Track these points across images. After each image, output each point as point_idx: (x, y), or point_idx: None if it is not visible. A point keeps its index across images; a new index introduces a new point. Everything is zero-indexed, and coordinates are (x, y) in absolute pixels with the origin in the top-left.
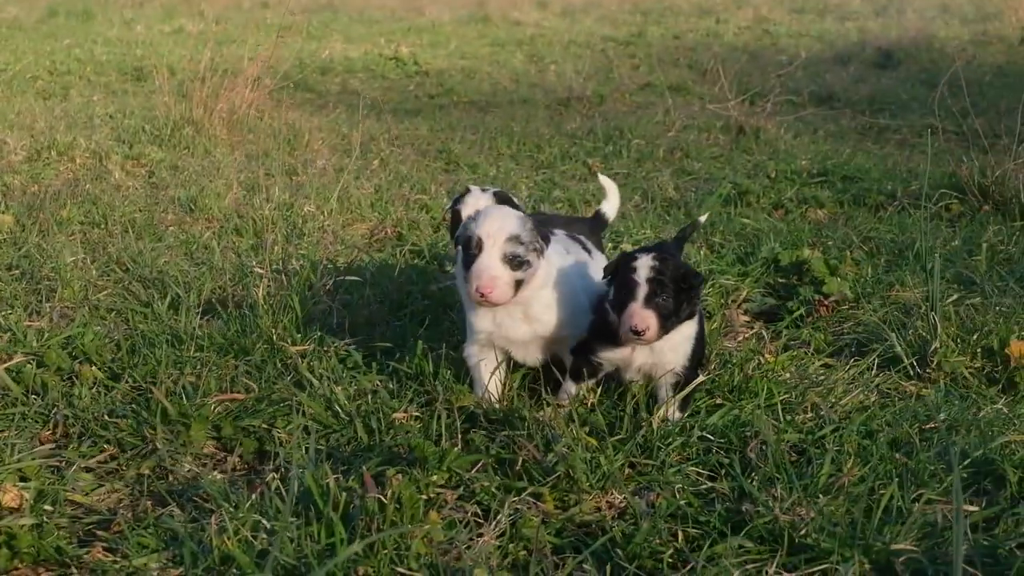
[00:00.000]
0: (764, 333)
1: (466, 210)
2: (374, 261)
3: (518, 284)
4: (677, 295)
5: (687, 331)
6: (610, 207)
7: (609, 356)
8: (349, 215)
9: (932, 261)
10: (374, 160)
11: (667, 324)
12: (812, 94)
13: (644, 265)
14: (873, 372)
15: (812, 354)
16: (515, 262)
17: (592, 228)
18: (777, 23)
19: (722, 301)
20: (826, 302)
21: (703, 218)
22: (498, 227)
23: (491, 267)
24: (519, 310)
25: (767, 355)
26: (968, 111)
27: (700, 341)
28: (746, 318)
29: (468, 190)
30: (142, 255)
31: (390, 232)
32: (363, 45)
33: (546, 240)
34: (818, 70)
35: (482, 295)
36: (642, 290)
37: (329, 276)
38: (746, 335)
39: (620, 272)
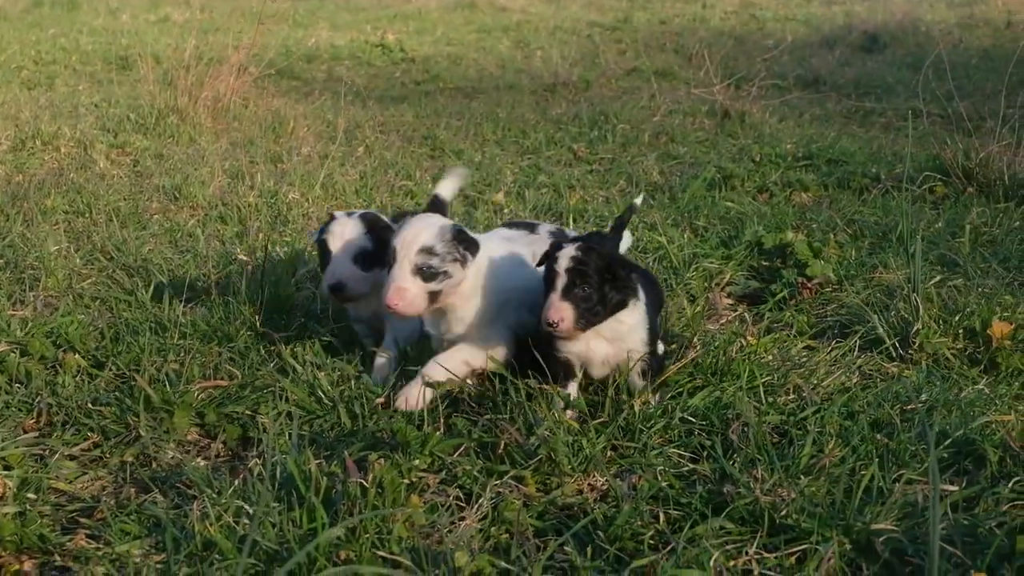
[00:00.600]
0: (747, 316)
1: (332, 239)
2: None
3: (434, 295)
4: (601, 286)
5: (631, 320)
6: (447, 189)
7: (568, 350)
8: (334, 201)
9: (915, 243)
10: (359, 147)
11: (588, 316)
12: (798, 78)
13: (565, 256)
14: (855, 354)
15: (795, 336)
16: (427, 273)
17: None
18: (764, 8)
19: (706, 284)
20: (809, 285)
21: (638, 200)
22: (411, 238)
23: (399, 279)
24: (449, 315)
25: (750, 337)
26: (953, 94)
27: (653, 325)
28: (729, 301)
29: (332, 217)
30: (126, 243)
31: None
32: (349, 32)
33: (471, 248)
34: (804, 54)
35: (388, 307)
36: (561, 281)
37: (313, 263)
38: (729, 318)
39: (545, 263)
